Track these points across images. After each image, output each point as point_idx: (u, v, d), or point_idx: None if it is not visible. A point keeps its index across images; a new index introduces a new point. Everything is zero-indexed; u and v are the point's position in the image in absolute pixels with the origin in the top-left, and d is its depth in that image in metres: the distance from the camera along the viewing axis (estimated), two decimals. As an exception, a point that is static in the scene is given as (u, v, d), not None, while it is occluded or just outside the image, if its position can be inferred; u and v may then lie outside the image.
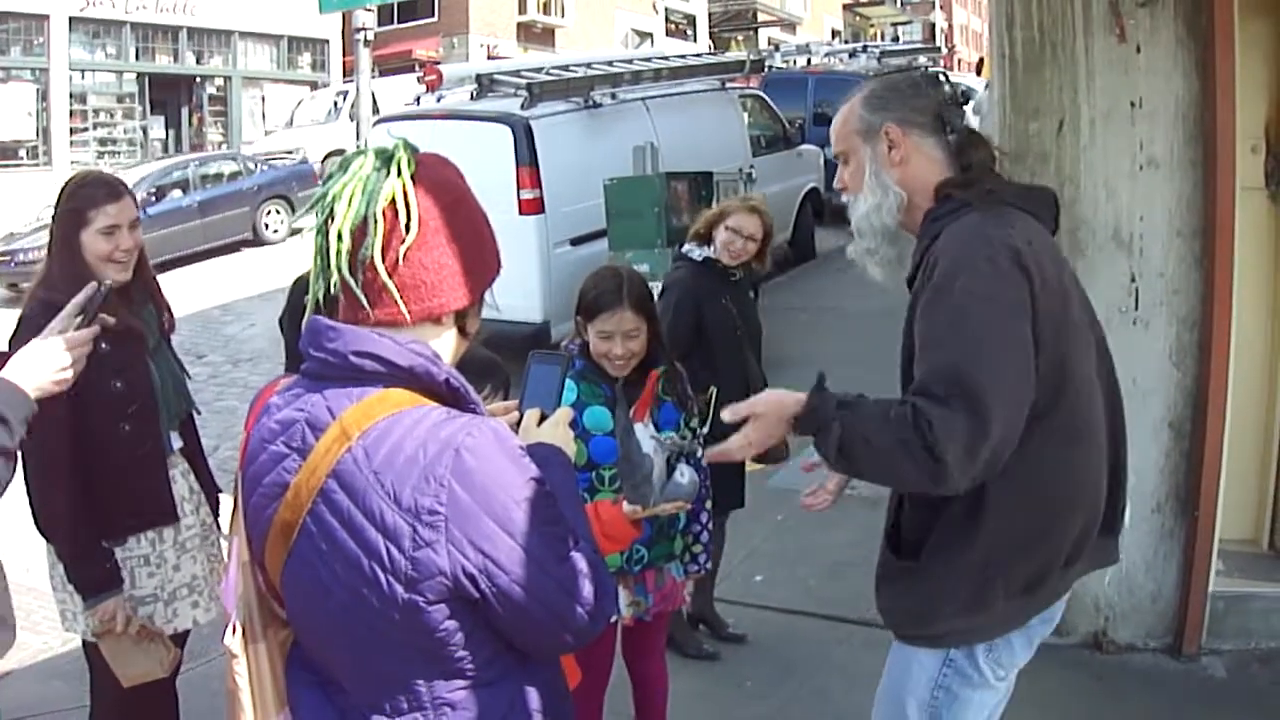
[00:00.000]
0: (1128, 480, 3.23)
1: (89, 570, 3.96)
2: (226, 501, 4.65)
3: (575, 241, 11.49)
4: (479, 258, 2.28)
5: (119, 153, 31.96)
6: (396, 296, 2.17)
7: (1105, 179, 5.44)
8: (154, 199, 20.35)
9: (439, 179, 2.25)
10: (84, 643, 4.16)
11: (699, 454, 4.40)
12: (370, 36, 18.61)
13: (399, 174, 2.18)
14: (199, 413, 4.50)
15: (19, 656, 6.39)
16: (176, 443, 4.30)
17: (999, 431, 2.72)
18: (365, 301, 2.18)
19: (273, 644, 2.36)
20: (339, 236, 2.14)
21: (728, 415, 2.98)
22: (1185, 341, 5.49)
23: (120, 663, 4.05)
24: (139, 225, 4.08)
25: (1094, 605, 5.77)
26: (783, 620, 5.90)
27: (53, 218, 4.04)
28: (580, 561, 2.20)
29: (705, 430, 4.57)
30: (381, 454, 2.08)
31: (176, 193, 21.13)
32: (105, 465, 3.88)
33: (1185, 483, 5.60)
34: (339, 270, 2.16)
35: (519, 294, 10.87)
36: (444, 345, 2.28)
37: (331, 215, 2.18)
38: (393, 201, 2.16)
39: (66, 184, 4.09)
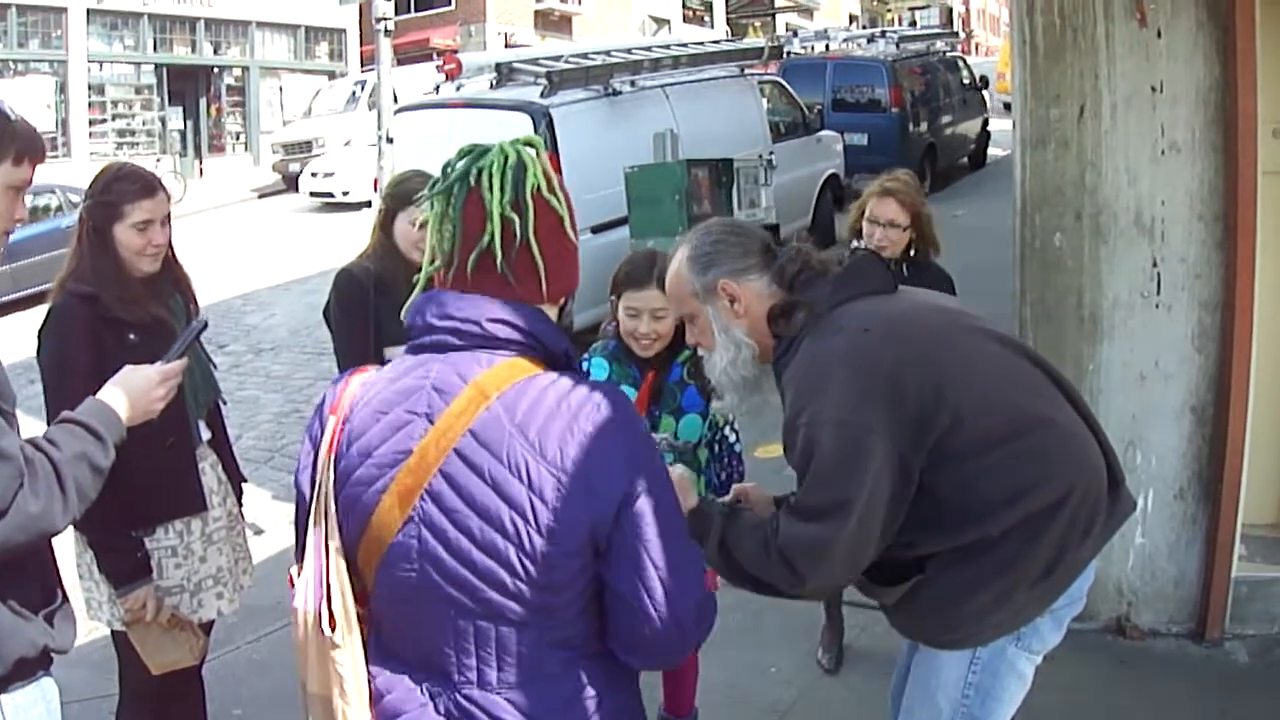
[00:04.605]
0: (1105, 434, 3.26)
1: (120, 559, 3.99)
2: (251, 491, 4.70)
3: (596, 229, 11.35)
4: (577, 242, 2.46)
5: (138, 144, 32.08)
6: (543, 276, 2.33)
7: (1127, 164, 5.41)
8: None
9: (554, 169, 2.39)
10: (113, 632, 4.19)
11: (732, 441, 4.52)
12: (390, 27, 18.60)
13: (539, 163, 2.34)
14: (225, 403, 4.52)
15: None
16: (205, 434, 4.32)
17: (846, 541, 2.88)
18: (514, 279, 2.30)
19: (360, 637, 2.40)
20: (502, 218, 2.27)
21: None
22: (1207, 326, 5.47)
23: (150, 650, 4.08)
24: (170, 220, 4.09)
25: (1116, 590, 5.77)
26: (806, 607, 5.89)
27: (84, 209, 4.04)
28: (696, 557, 2.37)
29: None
30: (522, 411, 2.20)
31: None
32: (135, 455, 3.85)
33: (1208, 467, 5.58)
34: (496, 252, 2.28)
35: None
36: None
37: (468, 198, 2.30)
38: (539, 188, 2.31)
39: (99, 176, 4.09)
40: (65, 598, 2.87)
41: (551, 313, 2.39)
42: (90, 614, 4.19)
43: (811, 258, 3.20)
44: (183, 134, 34.38)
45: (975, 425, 2.93)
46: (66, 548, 4.08)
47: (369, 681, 2.37)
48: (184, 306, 4.22)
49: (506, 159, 2.31)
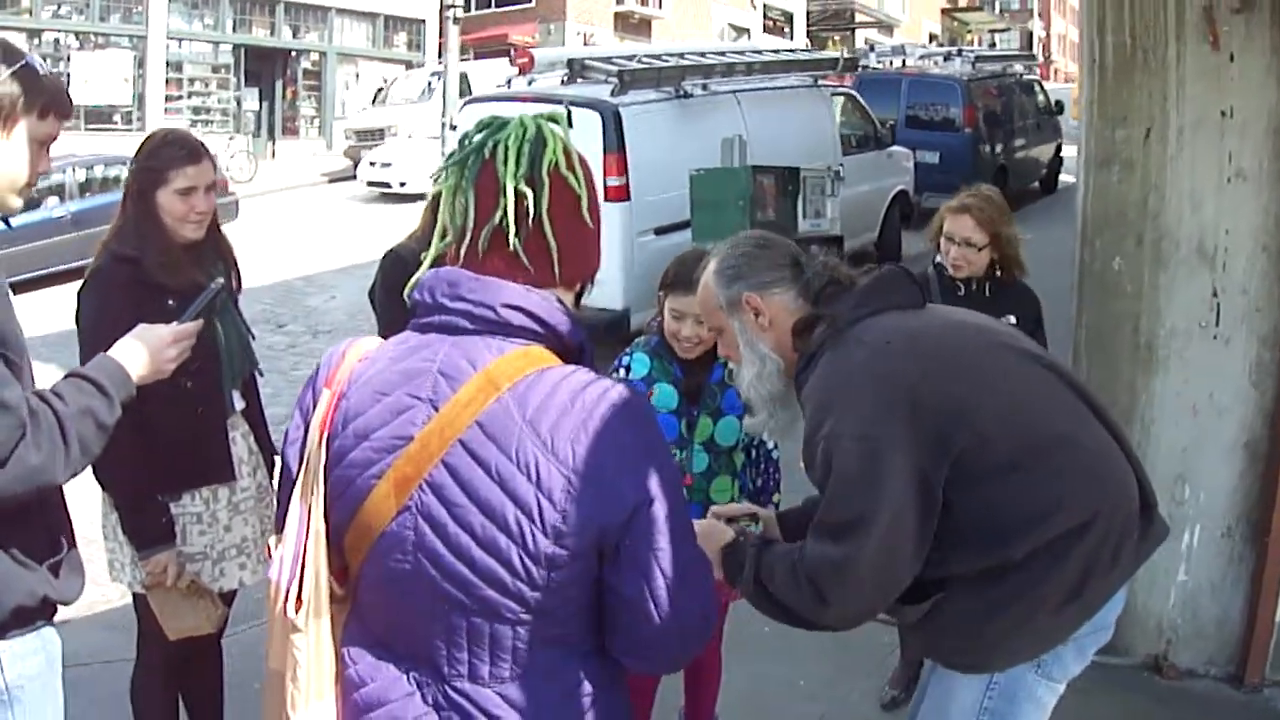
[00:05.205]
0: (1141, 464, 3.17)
1: (144, 522, 4.00)
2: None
3: (659, 231, 11.42)
4: (601, 228, 2.34)
5: (212, 122, 32.51)
6: (555, 258, 2.21)
7: (1191, 190, 5.30)
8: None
9: (578, 149, 2.29)
10: (134, 595, 4.21)
11: (770, 447, 4.47)
12: (458, 15, 18.70)
13: (559, 138, 2.23)
14: (262, 374, 4.51)
15: (75, 605, 6.45)
16: (239, 403, 4.31)
17: (871, 560, 2.80)
18: (526, 260, 2.19)
19: (330, 622, 2.31)
20: (516, 193, 2.16)
21: None
22: (1265, 361, 5.34)
23: (167, 615, 4.09)
24: (215, 188, 4.10)
25: (1156, 627, 5.66)
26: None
27: (130, 173, 4.08)
28: (704, 564, 2.29)
29: None
30: (533, 405, 2.09)
31: (53, 200, 17.92)
32: (166, 420, 3.88)
33: (1258, 506, 5.45)
34: (508, 228, 2.17)
35: (600, 280, 10.78)
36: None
37: (482, 171, 2.20)
38: (556, 165, 2.20)
39: (146, 141, 4.11)
40: (72, 548, 2.86)
41: (568, 298, 2.29)
42: (112, 575, 4.25)
43: (839, 272, 3.14)
44: (257, 115, 34.76)
45: (998, 443, 2.86)
46: (93, 506, 4.13)
47: (348, 667, 2.29)
48: (225, 274, 4.19)
49: (525, 132, 2.21)
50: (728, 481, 4.40)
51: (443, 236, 2.28)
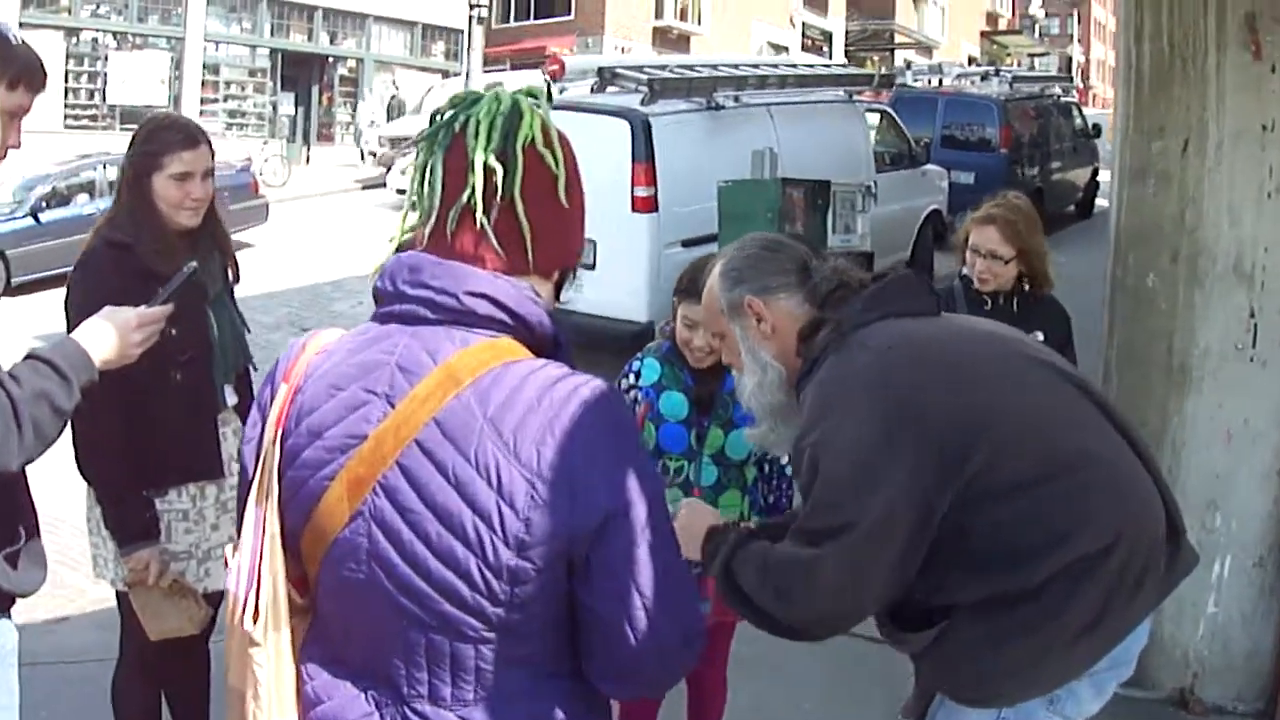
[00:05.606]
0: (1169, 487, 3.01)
1: (127, 517, 3.89)
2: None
3: (687, 243, 11.21)
4: (584, 217, 2.17)
5: (247, 126, 32.79)
6: (529, 241, 2.05)
7: (1229, 205, 5.13)
8: (46, 204, 17.09)
9: (560, 130, 2.12)
10: (118, 593, 4.10)
11: (784, 463, 4.28)
12: (483, 14, 18.64)
13: (537, 114, 2.07)
14: (255, 369, 4.38)
15: (78, 604, 6.39)
16: (231, 398, 4.20)
17: (839, 568, 2.68)
18: (496, 243, 2.03)
19: (290, 635, 2.14)
20: (485, 168, 2.00)
21: None
22: (1304, 386, 5.17)
23: (149, 615, 3.98)
24: (212, 175, 4.00)
25: (1183, 660, 5.48)
26: (848, 645, 5.66)
27: (126, 158, 3.99)
28: (688, 581, 2.10)
29: None
30: (496, 402, 1.92)
31: (83, 197, 17.78)
32: (153, 413, 3.82)
33: (1292, 536, 5.28)
34: (476, 206, 2.00)
35: (625, 291, 10.80)
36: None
37: (452, 147, 2.05)
38: (532, 141, 2.04)
39: (143, 125, 4.04)
40: (32, 538, 2.74)
41: (545, 289, 2.11)
42: (96, 571, 4.16)
43: (849, 275, 3.00)
44: (293, 120, 35.02)
45: (1014, 458, 2.70)
46: (78, 501, 4.09)
47: (305, 684, 2.11)
48: (221, 265, 4.14)
49: (498, 106, 2.05)
50: (737, 496, 4.25)
51: (406, 215, 2.13)
